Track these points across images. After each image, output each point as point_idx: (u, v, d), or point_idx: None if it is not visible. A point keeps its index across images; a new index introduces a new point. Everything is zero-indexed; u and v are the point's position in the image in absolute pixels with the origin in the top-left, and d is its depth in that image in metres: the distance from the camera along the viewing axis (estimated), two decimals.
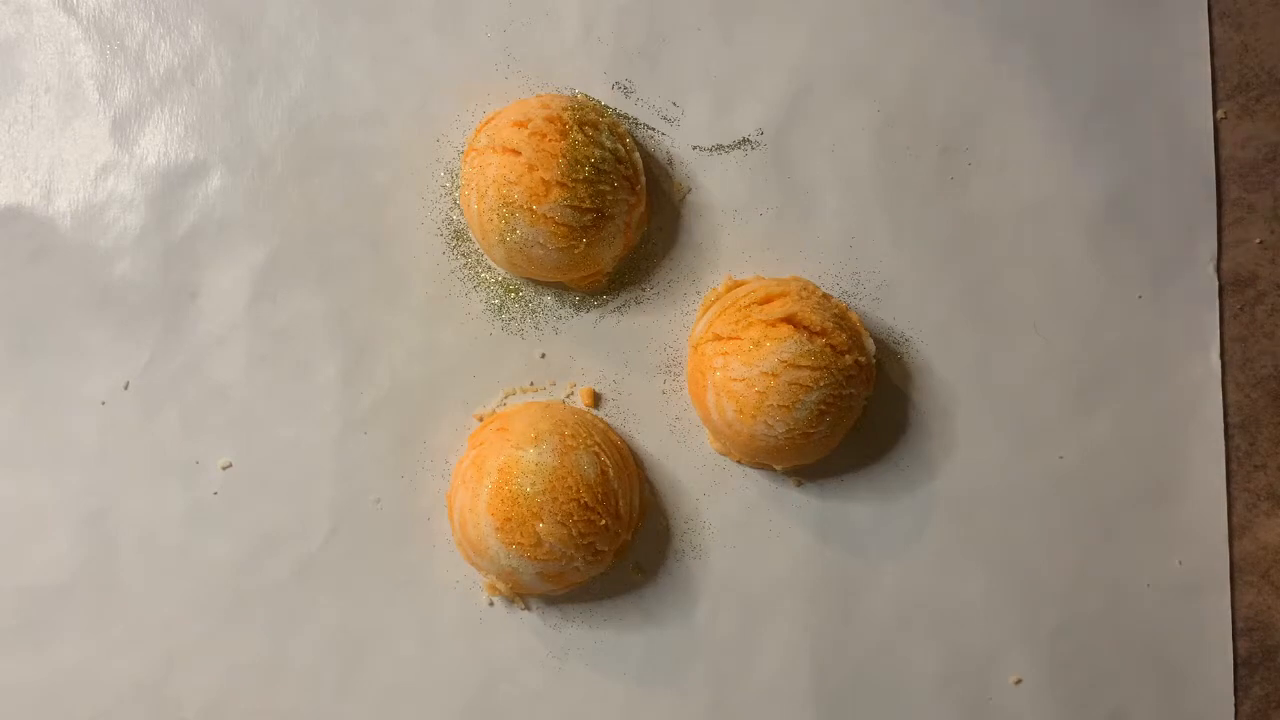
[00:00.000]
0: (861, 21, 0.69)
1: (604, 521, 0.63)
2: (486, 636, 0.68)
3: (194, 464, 0.68)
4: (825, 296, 0.66)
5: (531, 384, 0.69)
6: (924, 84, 0.69)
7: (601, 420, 0.68)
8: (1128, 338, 0.68)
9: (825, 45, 0.69)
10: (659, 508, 0.68)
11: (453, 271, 0.69)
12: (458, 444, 0.68)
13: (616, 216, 0.65)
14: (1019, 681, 0.67)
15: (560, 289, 0.69)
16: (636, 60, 0.69)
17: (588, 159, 0.64)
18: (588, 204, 0.63)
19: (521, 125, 0.64)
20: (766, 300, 0.64)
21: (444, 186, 0.69)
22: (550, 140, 0.63)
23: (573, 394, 0.69)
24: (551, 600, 0.68)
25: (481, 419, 0.68)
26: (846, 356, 0.63)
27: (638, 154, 0.67)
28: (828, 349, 0.63)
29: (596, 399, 0.69)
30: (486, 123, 0.66)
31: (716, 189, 0.69)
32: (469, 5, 0.69)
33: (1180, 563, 0.68)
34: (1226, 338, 0.69)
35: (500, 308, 0.69)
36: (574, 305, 0.69)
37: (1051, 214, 0.69)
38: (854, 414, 0.65)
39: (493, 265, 0.69)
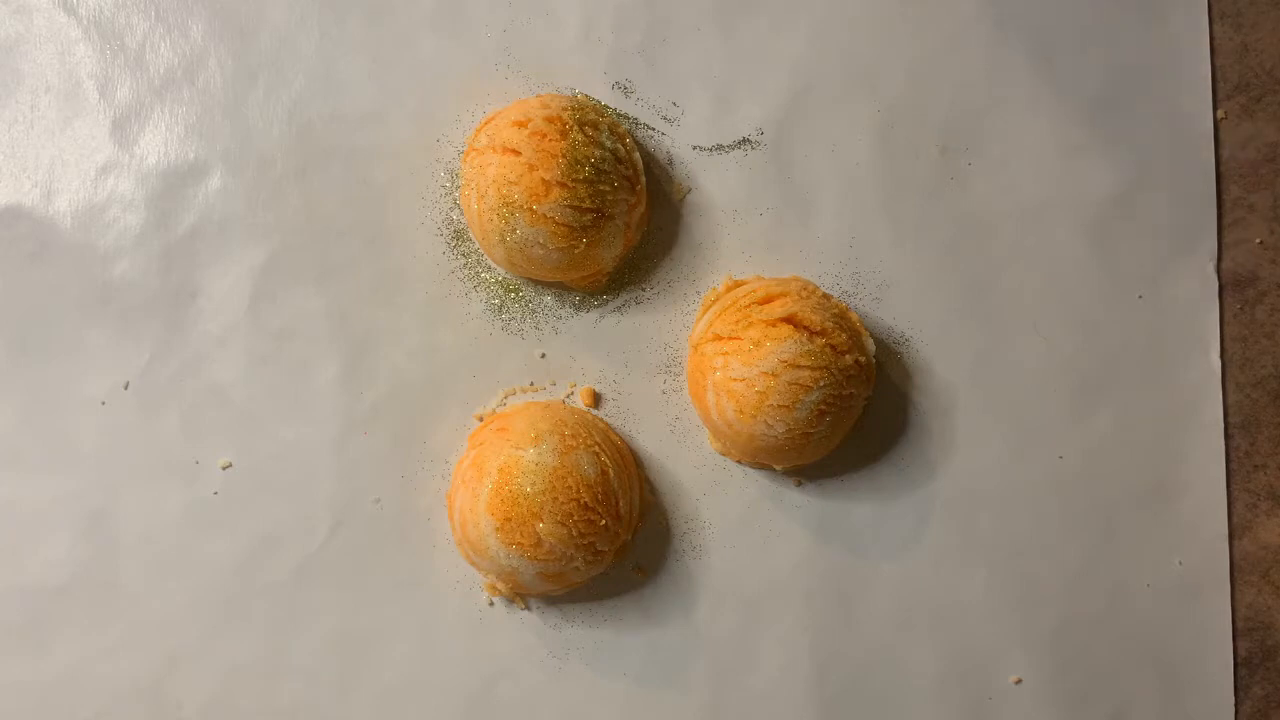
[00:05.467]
0: (861, 21, 0.69)
1: (604, 521, 0.63)
2: (486, 636, 0.68)
3: (194, 464, 0.68)
4: (825, 296, 0.66)
5: (531, 384, 0.69)
6: (924, 84, 0.69)
7: (601, 420, 0.68)
8: (1128, 338, 0.68)
9: (825, 45, 0.69)
10: (659, 508, 0.68)
11: (453, 271, 0.69)
12: (458, 444, 0.68)
13: (616, 216, 0.65)
14: (1019, 681, 0.67)
15: (560, 289, 0.69)
16: (636, 60, 0.69)
17: (588, 159, 0.64)
18: (588, 204, 0.63)
19: (521, 125, 0.64)
20: (766, 300, 0.64)
21: (444, 186, 0.69)
22: (550, 140, 0.63)
23: (573, 394, 0.69)
24: (551, 600, 0.68)
25: (481, 419, 0.68)
26: (846, 356, 0.63)
27: (638, 154, 0.67)
28: (828, 349, 0.63)
29: (596, 399, 0.69)
30: (486, 123, 0.66)
31: (716, 189, 0.69)
32: (469, 5, 0.69)
33: (1180, 563, 0.68)
34: (1226, 338, 0.69)
35: (500, 308, 0.69)
36: (574, 305, 0.69)
37: (1051, 214, 0.69)
38: (854, 414, 0.65)
39: (493, 265, 0.69)
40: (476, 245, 0.69)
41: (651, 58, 0.69)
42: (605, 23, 0.69)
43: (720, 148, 0.69)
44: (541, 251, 0.64)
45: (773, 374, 0.62)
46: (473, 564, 0.66)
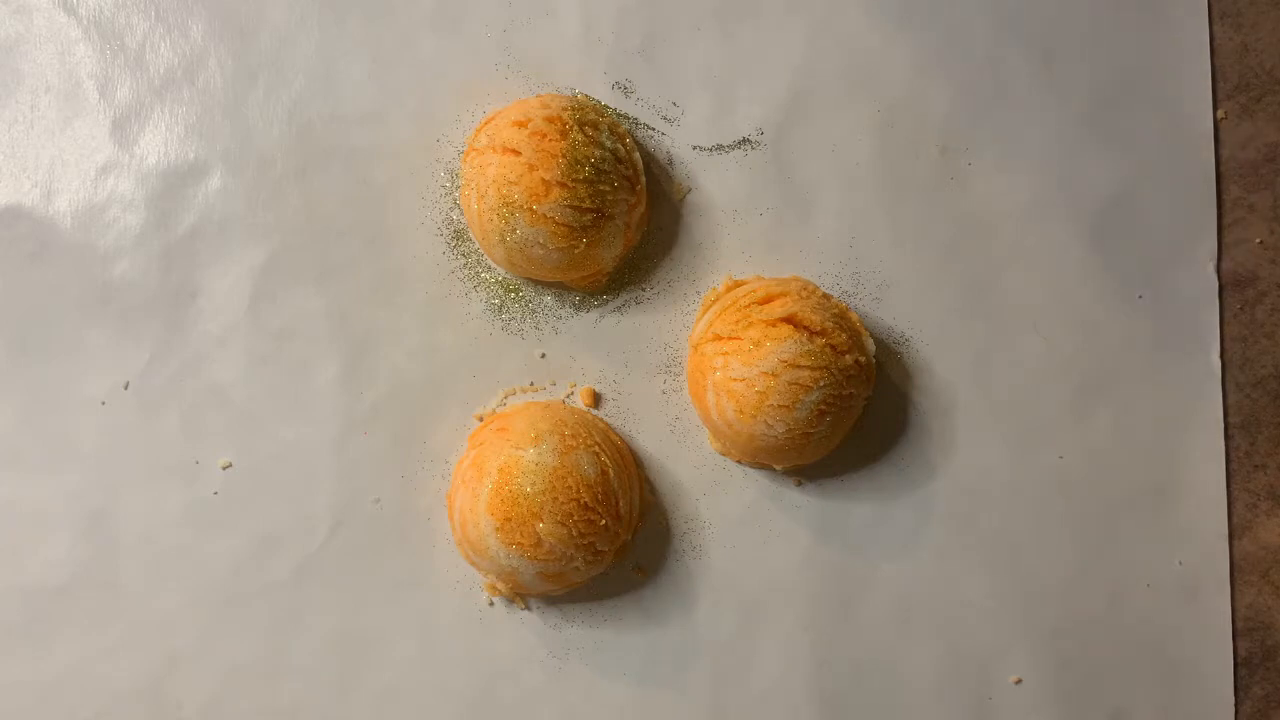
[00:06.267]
0: (861, 21, 0.69)
1: (604, 521, 0.63)
2: (486, 636, 0.68)
3: (194, 464, 0.68)
4: (825, 296, 0.66)
5: (531, 384, 0.69)
6: (924, 84, 0.69)
7: (601, 420, 0.68)
8: (1128, 338, 0.68)
9: (825, 45, 0.69)
10: (659, 508, 0.68)
11: (453, 271, 0.69)
12: (458, 444, 0.68)
13: (616, 216, 0.65)
14: (1019, 681, 0.67)
15: (560, 289, 0.69)
16: (636, 60, 0.69)
17: (588, 159, 0.64)
18: (588, 204, 0.63)
19: (521, 125, 0.64)
20: (766, 300, 0.64)
21: (444, 186, 0.69)
22: (550, 140, 0.63)
23: (573, 394, 0.69)
24: (551, 600, 0.68)
25: (481, 419, 0.68)
26: (846, 356, 0.63)
27: (638, 154, 0.67)
28: (828, 349, 0.63)
29: (596, 399, 0.69)
30: (486, 123, 0.66)
31: (716, 189, 0.69)
32: (469, 5, 0.69)
33: (1180, 563, 0.68)
34: (1226, 338, 0.69)
35: (500, 308, 0.69)
36: (574, 305, 0.69)
37: (1051, 214, 0.69)
38: (854, 414, 0.65)
39: (493, 265, 0.69)
40: (476, 245, 0.69)
41: (651, 58, 0.69)
42: (605, 23, 0.69)
43: (720, 148, 0.69)
44: (541, 251, 0.64)
45: (773, 374, 0.62)
46: (473, 564, 0.66)
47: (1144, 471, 0.68)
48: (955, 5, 0.69)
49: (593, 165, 0.64)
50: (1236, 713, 0.67)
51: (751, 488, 0.68)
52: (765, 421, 0.62)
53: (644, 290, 0.69)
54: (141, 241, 0.69)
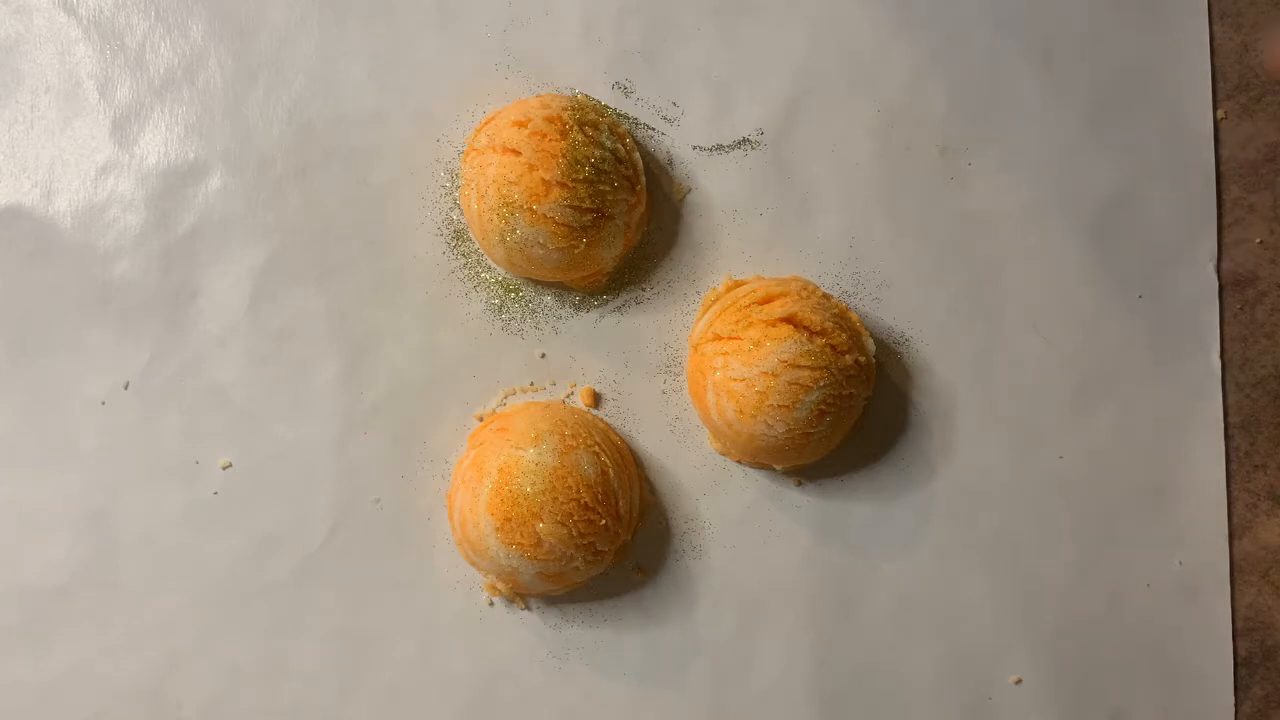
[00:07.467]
0: (861, 21, 0.69)
1: (604, 521, 0.63)
2: (486, 636, 0.68)
3: (194, 464, 0.68)
4: (825, 296, 0.66)
5: (531, 384, 0.69)
6: (924, 84, 0.69)
7: (601, 420, 0.68)
8: (1128, 338, 0.68)
9: (825, 45, 0.69)
10: (659, 508, 0.68)
11: (453, 271, 0.69)
12: (458, 444, 0.68)
13: (616, 216, 0.65)
14: (1019, 681, 0.67)
15: (560, 289, 0.69)
16: (636, 60, 0.69)
17: (588, 159, 0.64)
18: (588, 204, 0.63)
19: (521, 125, 0.64)
20: (766, 300, 0.64)
21: (444, 186, 0.69)
22: (550, 140, 0.63)
23: (573, 394, 0.69)
24: (551, 600, 0.68)
25: (481, 419, 0.68)
26: (846, 356, 0.63)
27: (638, 154, 0.67)
28: (828, 349, 0.63)
29: (596, 399, 0.69)
30: (486, 123, 0.66)
31: (716, 189, 0.69)
32: (469, 5, 0.69)
33: (1180, 563, 0.68)
34: (1226, 338, 0.69)
35: (500, 308, 0.69)
36: (574, 305, 0.69)
37: (1051, 214, 0.69)
38: (854, 414, 0.65)
39: (493, 265, 0.69)
40: (476, 245, 0.69)
41: (651, 58, 0.69)
42: (605, 23, 0.69)
43: (720, 148, 0.69)
44: (541, 251, 0.64)
45: (773, 374, 0.62)
46: (473, 564, 0.66)
47: (1144, 471, 0.68)
48: (955, 5, 0.69)
49: (593, 165, 0.64)
50: (1236, 713, 0.67)
51: (751, 488, 0.68)
52: (765, 421, 0.62)
53: (644, 290, 0.69)
54: (141, 241, 0.69)
